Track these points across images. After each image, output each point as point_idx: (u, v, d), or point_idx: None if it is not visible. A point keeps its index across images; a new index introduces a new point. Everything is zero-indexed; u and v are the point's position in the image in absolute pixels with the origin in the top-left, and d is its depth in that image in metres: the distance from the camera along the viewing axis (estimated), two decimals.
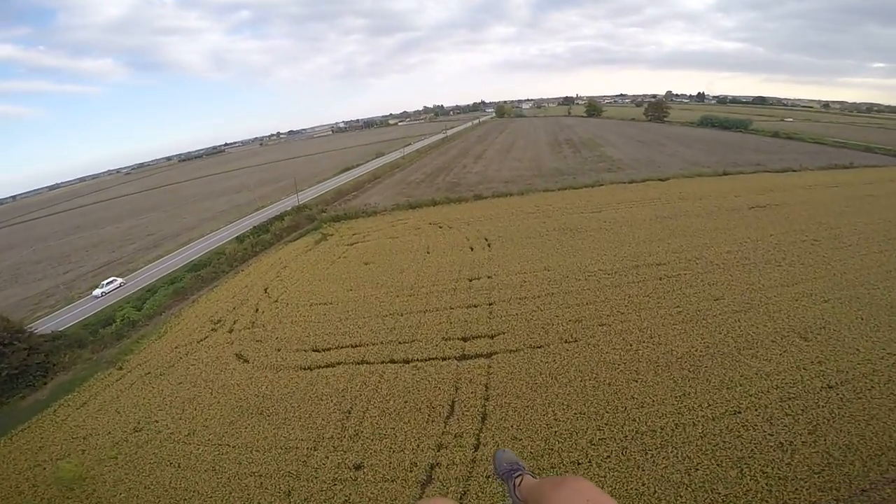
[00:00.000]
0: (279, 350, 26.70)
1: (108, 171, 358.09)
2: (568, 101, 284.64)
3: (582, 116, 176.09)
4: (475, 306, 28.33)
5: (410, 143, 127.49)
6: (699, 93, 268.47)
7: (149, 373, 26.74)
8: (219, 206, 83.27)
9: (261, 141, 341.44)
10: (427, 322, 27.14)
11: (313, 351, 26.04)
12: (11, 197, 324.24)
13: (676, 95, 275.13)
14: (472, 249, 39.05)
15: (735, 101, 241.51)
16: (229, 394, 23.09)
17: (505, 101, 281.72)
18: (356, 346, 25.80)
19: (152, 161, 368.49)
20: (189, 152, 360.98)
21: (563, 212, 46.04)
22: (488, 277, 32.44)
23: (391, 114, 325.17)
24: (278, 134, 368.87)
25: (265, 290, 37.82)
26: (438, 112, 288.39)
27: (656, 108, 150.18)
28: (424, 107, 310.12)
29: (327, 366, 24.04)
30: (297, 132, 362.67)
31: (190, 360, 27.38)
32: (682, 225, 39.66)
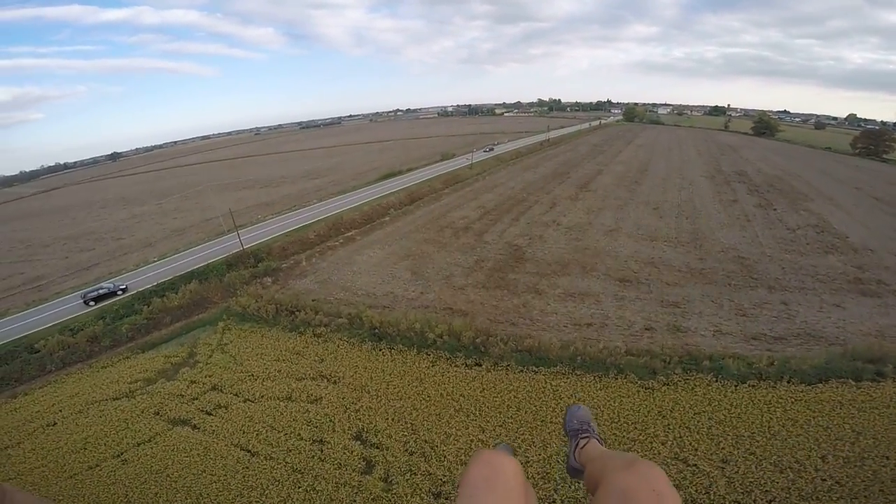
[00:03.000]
0: None
1: (252, 128, 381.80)
2: (718, 111, 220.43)
3: (747, 134, 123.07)
4: None
5: (497, 144, 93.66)
6: None
7: None
8: (231, 203, 60.08)
9: (371, 117, 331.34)
10: None
11: None
12: (173, 142, 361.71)
13: (865, 120, 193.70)
14: None
15: None
16: None
17: (636, 104, 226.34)
18: None
19: (287, 124, 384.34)
20: (313, 120, 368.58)
21: None
22: None
23: (504, 103, 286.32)
24: (396, 111, 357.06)
25: None
26: (553, 106, 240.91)
27: (873, 139, 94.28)
28: (539, 99, 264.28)
29: None
30: (413, 111, 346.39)
31: None
32: None
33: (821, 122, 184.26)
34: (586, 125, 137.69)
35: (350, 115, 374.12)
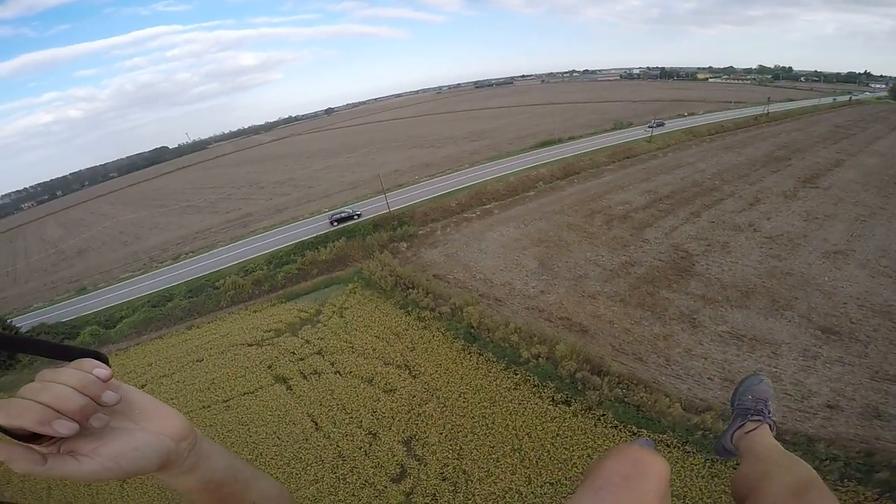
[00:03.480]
0: None
1: (436, 87, 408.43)
2: None
3: None
4: None
5: (690, 114, 76.69)
6: None
7: None
8: (400, 161, 63.73)
9: (543, 78, 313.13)
10: None
11: None
12: (373, 99, 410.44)
13: None
14: None
15: None
16: None
17: None
18: None
19: (465, 83, 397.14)
20: (487, 80, 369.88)
21: None
22: None
23: (710, 67, 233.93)
24: (572, 72, 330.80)
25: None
26: (781, 74, 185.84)
27: None
28: (760, 66, 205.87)
29: None
30: (591, 72, 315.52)
31: None
32: None
33: None
34: (828, 99, 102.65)
35: (522, 76, 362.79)
